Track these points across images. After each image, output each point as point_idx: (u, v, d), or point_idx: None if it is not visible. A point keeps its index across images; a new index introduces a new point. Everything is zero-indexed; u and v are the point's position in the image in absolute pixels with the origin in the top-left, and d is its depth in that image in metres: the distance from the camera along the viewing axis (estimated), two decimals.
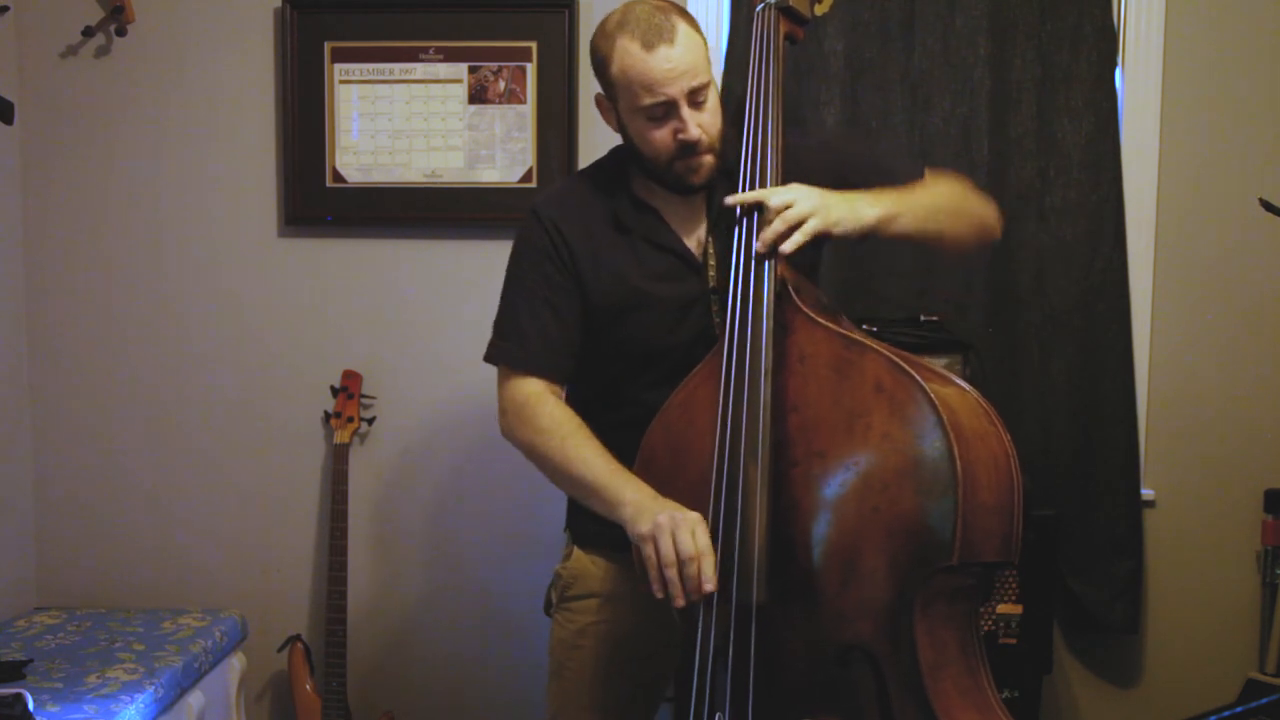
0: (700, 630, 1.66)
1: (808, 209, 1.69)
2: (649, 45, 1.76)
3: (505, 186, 2.89)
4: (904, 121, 2.82)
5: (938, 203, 1.86)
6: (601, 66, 1.83)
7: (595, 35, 1.85)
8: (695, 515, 1.64)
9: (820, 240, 1.76)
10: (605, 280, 1.90)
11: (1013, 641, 2.53)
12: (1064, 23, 2.77)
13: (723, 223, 1.87)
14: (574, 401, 1.96)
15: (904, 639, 1.56)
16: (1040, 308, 2.82)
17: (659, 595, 1.63)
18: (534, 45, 2.86)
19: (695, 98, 1.79)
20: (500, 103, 2.88)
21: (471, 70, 2.88)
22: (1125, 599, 2.80)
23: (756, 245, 1.70)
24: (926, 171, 1.97)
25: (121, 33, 2.87)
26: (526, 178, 2.89)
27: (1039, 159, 2.80)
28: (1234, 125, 2.81)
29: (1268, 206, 2.23)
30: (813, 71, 2.81)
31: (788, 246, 1.68)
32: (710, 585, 1.62)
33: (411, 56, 2.88)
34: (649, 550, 1.63)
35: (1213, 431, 2.87)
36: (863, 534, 1.58)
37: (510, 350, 1.93)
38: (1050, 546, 2.59)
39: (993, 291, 2.80)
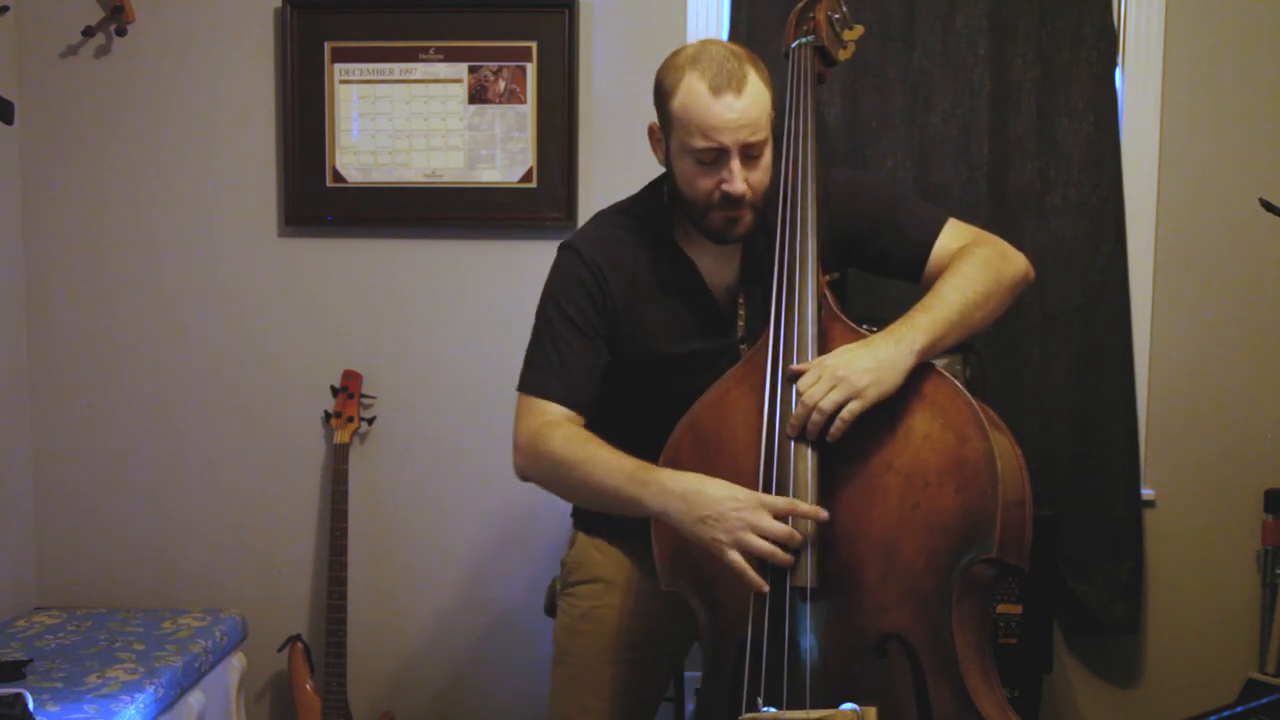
0: (752, 617, 1.68)
1: (842, 396, 1.65)
2: (716, 90, 1.73)
3: (505, 186, 2.89)
4: (904, 121, 2.82)
5: (967, 299, 1.76)
6: (664, 98, 1.81)
7: (664, 66, 1.82)
8: (748, 492, 1.66)
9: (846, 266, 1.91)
10: (638, 339, 1.91)
11: (1013, 641, 2.53)
12: (1064, 23, 2.77)
13: (755, 275, 1.88)
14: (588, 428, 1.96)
15: (942, 629, 1.62)
16: (1040, 308, 2.82)
17: (767, 589, 1.64)
18: (534, 45, 2.86)
19: (749, 151, 1.77)
20: (500, 103, 2.88)
21: (471, 70, 2.88)
22: (1125, 599, 2.80)
23: (789, 430, 1.68)
24: (949, 223, 1.89)
25: (121, 33, 2.87)
26: (526, 178, 2.89)
27: (1039, 159, 2.80)
28: (1234, 125, 2.81)
29: (1268, 207, 2.23)
30: None
31: (834, 435, 1.65)
32: (815, 517, 1.64)
33: (411, 56, 2.88)
34: (734, 556, 1.63)
35: (1213, 431, 2.87)
36: (903, 529, 1.64)
37: (540, 379, 1.89)
38: (1050, 546, 2.59)
39: None
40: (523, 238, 2.90)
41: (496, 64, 2.87)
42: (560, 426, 1.83)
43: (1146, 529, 2.85)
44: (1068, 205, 2.79)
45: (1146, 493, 2.85)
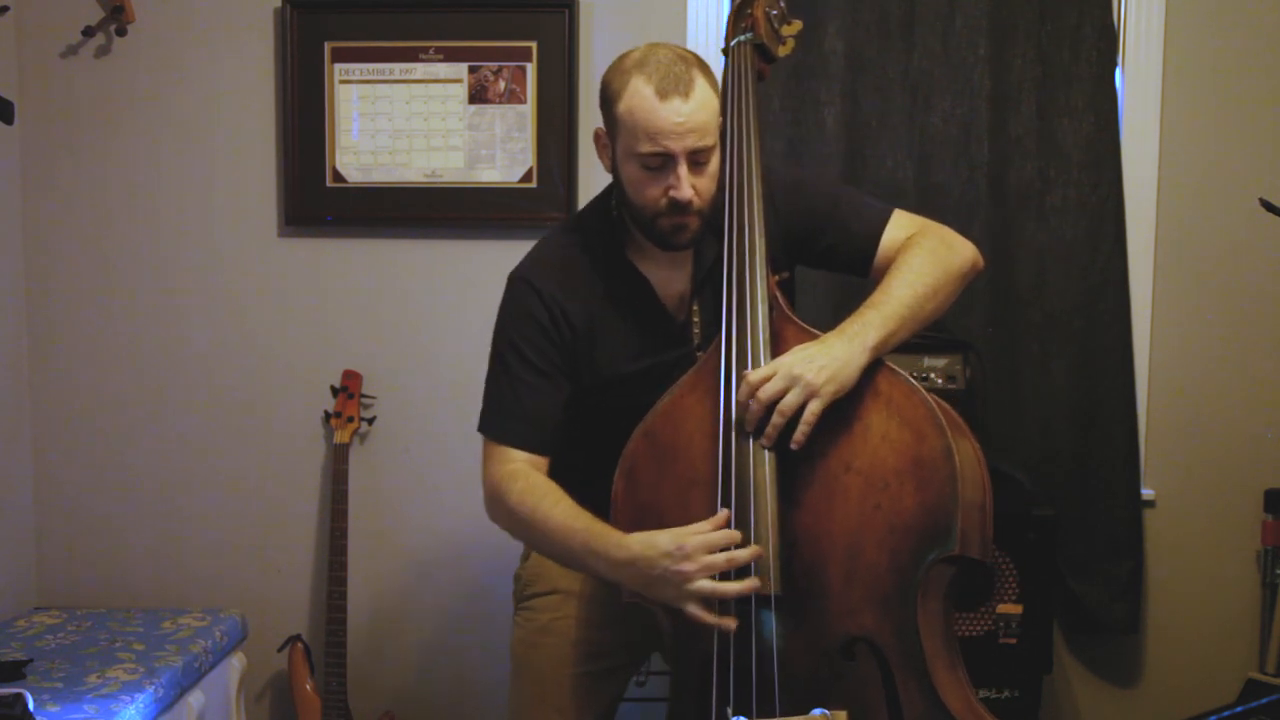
0: (716, 626, 1.67)
1: (800, 397, 1.64)
2: (663, 93, 1.71)
3: (505, 186, 2.89)
4: (904, 121, 2.82)
5: (917, 293, 1.75)
6: (609, 102, 1.79)
7: (610, 69, 1.80)
8: (678, 532, 1.65)
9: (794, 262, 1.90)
10: (596, 363, 1.89)
11: (1013, 641, 2.53)
12: (1064, 23, 2.77)
13: (707, 281, 1.87)
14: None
15: (908, 629, 1.61)
16: (1040, 308, 2.82)
17: (734, 627, 1.64)
18: (534, 45, 2.86)
19: (696, 158, 1.75)
20: (500, 103, 2.88)
21: (471, 70, 2.88)
22: (1125, 599, 2.81)
23: (763, 440, 1.66)
24: (894, 215, 1.88)
25: (121, 33, 2.87)
26: (526, 178, 2.89)
27: (1039, 159, 2.80)
28: (1234, 125, 2.81)
29: (1268, 206, 2.23)
30: (813, 71, 2.81)
31: (799, 440, 1.64)
32: (758, 549, 1.64)
33: (411, 56, 2.88)
34: (696, 610, 1.64)
35: (1213, 431, 2.87)
36: (865, 530, 1.63)
37: (501, 423, 1.90)
38: (1050, 546, 2.58)
39: (993, 291, 2.80)
40: (523, 238, 2.86)
41: (496, 64, 2.87)
42: (519, 479, 1.84)
43: (1146, 529, 2.85)
44: (1068, 205, 2.79)
45: (1146, 493, 2.85)
